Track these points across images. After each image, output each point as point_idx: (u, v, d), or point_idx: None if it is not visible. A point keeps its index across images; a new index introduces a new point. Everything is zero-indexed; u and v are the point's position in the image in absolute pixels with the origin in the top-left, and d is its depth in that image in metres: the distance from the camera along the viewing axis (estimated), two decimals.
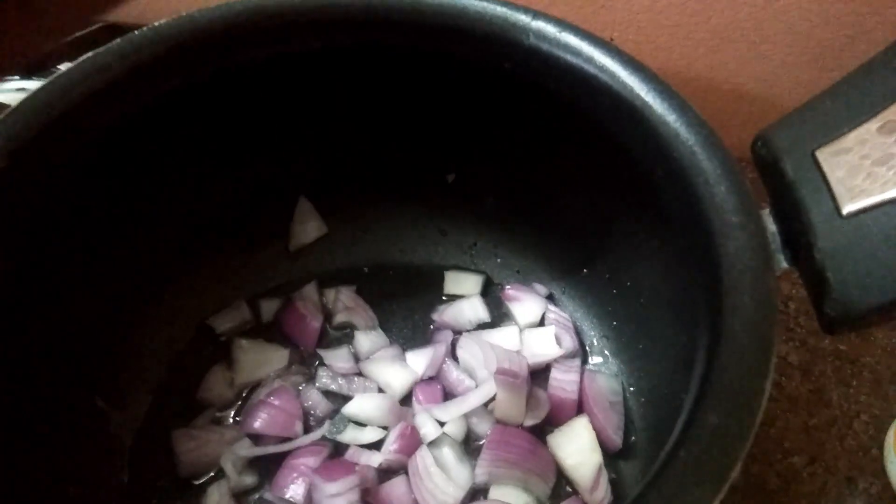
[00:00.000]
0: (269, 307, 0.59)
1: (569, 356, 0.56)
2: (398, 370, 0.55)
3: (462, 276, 0.62)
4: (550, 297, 0.60)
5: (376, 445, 0.52)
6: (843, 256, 0.32)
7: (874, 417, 0.58)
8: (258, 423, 0.52)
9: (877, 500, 0.53)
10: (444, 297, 0.61)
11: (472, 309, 0.59)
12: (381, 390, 0.55)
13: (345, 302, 0.59)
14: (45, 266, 0.43)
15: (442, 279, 0.62)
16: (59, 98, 0.40)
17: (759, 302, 0.30)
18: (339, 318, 0.58)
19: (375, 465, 0.50)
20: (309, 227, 0.61)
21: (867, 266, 0.31)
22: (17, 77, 0.83)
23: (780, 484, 0.54)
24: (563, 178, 0.53)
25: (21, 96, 0.84)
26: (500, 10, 0.43)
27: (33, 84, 0.83)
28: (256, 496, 0.50)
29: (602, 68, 0.40)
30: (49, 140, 0.39)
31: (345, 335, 0.59)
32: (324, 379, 0.55)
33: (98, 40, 0.82)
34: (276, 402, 0.53)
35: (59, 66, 0.80)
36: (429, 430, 0.52)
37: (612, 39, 0.75)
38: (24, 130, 0.38)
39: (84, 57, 0.41)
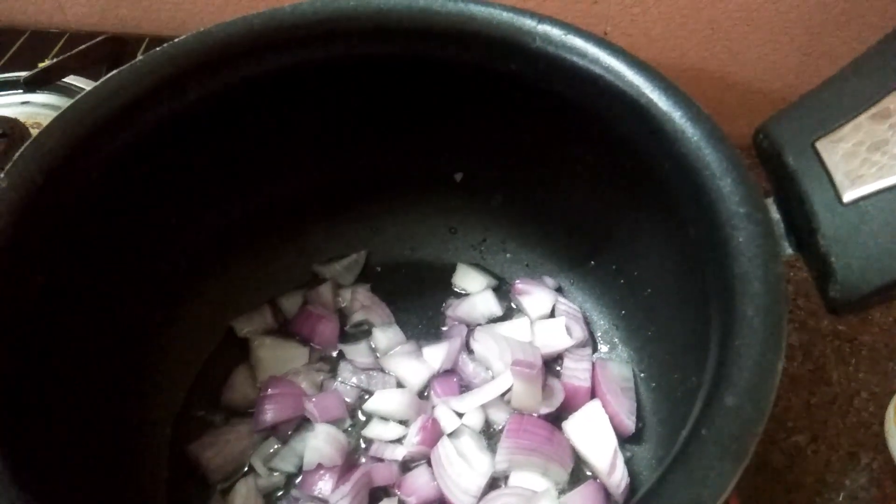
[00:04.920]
0: (291, 303, 0.61)
1: (580, 345, 0.57)
2: (415, 365, 0.57)
3: (472, 273, 0.63)
4: (559, 290, 0.61)
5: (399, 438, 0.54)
6: (845, 242, 0.34)
7: (873, 394, 0.60)
8: (269, 414, 0.54)
9: (879, 474, 0.55)
10: (454, 289, 0.63)
11: (484, 303, 0.61)
12: (399, 385, 0.57)
13: (361, 301, 0.60)
14: (78, 277, 0.45)
15: (452, 276, 0.64)
16: (87, 115, 0.41)
17: (770, 288, 0.32)
18: (357, 316, 0.60)
19: (399, 458, 0.52)
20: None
21: (868, 250, 0.33)
22: (20, 90, 0.84)
23: (785, 462, 0.56)
24: (570, 175, 0.54)
25: (27, 110, 0.85)
26: (507, 16, 0.45)
27: (37, 97, 0.84)
28: (281, 493, 0.52)
29: (608, 68, 0.42)
30: (79, 157, 0.41)
31: (362, 332, 0.61)
32: (345, 373, 0.57)
33: (100, 53, 0.83)
34: (276, 391, 0.55)
35: (63, 79, 0.81)
36: (448, 422, 0.53)
37: (605, 33, 0.77)
38: (56, 148, 0.40)
39: (109, 75, 0.43)
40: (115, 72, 0.43)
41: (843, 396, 0.60)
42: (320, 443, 0.51)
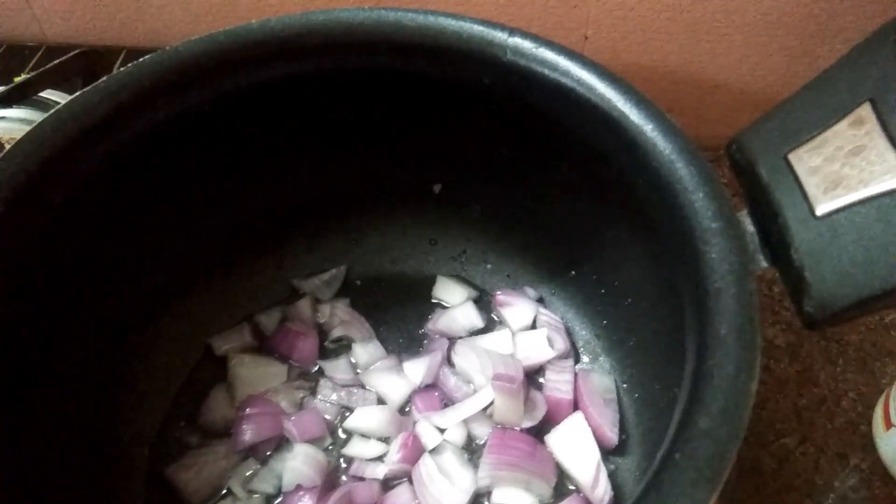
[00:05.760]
0: (270, 320, 0.60)
1: (561, 357, 0.57)
2: (396, 380, 0.56)
3: (452, 285, 0.63)
4: (541, 300, 0.61)
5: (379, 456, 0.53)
6: (819, 256, 0.33)
7: (861, 395, 0.59)
8: (248, 435, 0.52)
9: (868, 475, 0.55)
10: (433, 301, 0.62)
11: (465, 316, 0.60)
12: (380, 401, 0.56)
13: (340, 316, 0.60)
14: (50, 299, 0.44)
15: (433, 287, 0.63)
16: (49, 140, 0.40)
17: (743, 305, 0.32)
18: (336, 332, 0.59)
19: (381, 477, 0.51)
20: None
21: (842, 265, 0.33)
22: None
23: (774, 465, 0.55)
24: (548, 186, 0.54)
25: (3, 125, 0.84)
26: (478, 29, 0.44)
27: (13, 112, 0.83)
28: None
29: (579, 81, 0.42)
30: (44, 181, 0.40)
31: (342, 348, 0.60)
32: (325, 390, 0.56)
33: (76, 67, 0.83)
34: (254, 410, 0.54)
35: (39, 94, 0.80)
36: (429, 438, 0.53)
37: (586, 38, 0.77)
38: (18, 173, 0.39)
39: (72, 97, 0.42)
40: (78, 93, 0.42)
41: (830, 397, 0.59)
42: (299, 464, 0.50)
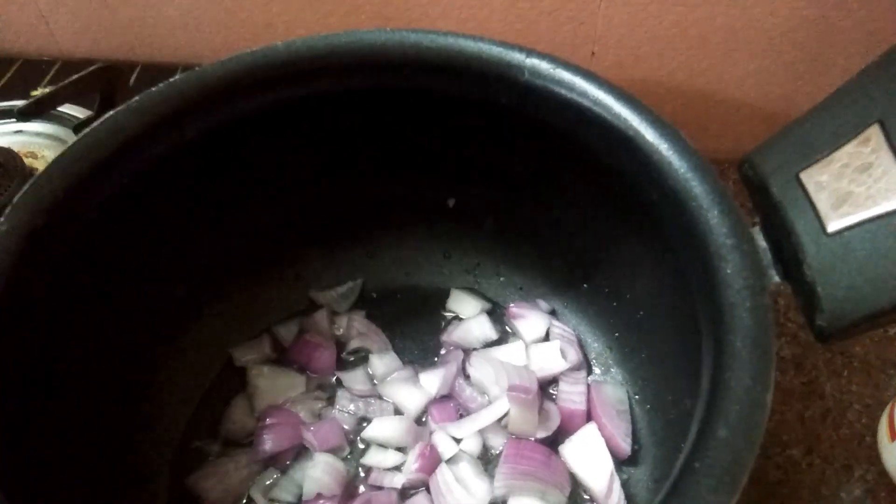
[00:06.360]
0: (288, 331, 0.61)
1: (574, 369, 0.58)
2: (413, 391, 0.57)
3: (466, 297, 0.64)
4: (553, 313, 0.62)
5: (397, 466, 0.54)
6: (831, 272, 0.35)
7: (866, 406, 0.60)
8: (268, 444, 0.53)
9: (873, 486, 0.55)
10: (447, 313, 0.63)
11: (479, 328, 0.61)
12: (397, 411, 0.57)
13: (357, 328, 0.61)
14: (80, 314, 0.45)
15: (447, 300, 0.64)
16: (85, 157, 0.42)
17: (758, 319, 0.33)
18: (354, 343, 0.60)
19: (398, 486, 0.52)
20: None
21: (854, 280, 0.34)
22: (13, 120, 0.84)
23: (780, 476, 0.56)
24: (561, 201, 0.55)
25: (20, 139, 0.85)
26: (496, 51, 0.45)
27: (30, 126, 0.84)
28: None
29: (595, 101, 0.43)
30: (79, 197, 0.41)
31: (359, 359, 0.61)
32: (343, 401, 0.57)
33: (93, 82, 0.84)
34: (274, 420, 0.55)
35: (58, 109, 0.82)
36: (446, 448, 0.53)
37: (593, 54, 0.78)
38: (56, 190, 0.40)
39: (106, 115, 0.43)
40: (111, 112, 0.43)
41: (836, 409, 0.60)
42: (319, 472, 0.51)
